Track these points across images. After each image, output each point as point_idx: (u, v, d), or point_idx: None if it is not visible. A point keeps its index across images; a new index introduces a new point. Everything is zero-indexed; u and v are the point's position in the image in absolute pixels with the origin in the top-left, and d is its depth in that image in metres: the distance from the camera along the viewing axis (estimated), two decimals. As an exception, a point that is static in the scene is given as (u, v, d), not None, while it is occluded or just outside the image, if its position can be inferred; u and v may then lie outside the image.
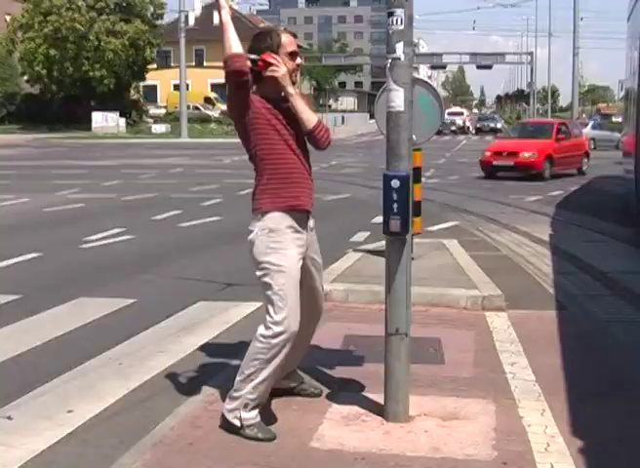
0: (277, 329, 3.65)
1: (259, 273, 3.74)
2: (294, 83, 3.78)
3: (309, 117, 3.79)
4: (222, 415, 3.80)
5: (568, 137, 21.14)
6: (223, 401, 3.90)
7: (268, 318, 3.69)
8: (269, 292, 3.69)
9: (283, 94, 3.76)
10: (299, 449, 3.55)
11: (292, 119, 3.77)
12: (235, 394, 3.75)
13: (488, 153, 20.29)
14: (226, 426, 3.76)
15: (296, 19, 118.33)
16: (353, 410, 3.99)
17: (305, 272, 3.84)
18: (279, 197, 3.73)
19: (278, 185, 3.74)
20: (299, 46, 4.00)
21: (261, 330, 3.71)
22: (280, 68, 3.71)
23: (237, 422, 3.72)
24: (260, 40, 3.81)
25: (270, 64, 3.73)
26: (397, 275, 3.77)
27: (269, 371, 3.71)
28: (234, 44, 3.62)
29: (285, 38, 3.82)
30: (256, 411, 3.75)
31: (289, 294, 3.68)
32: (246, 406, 3.71)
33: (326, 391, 4.28)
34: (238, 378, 3.76)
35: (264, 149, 3.75)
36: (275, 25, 4.30)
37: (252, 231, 3.76)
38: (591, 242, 9.90)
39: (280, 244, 3.70)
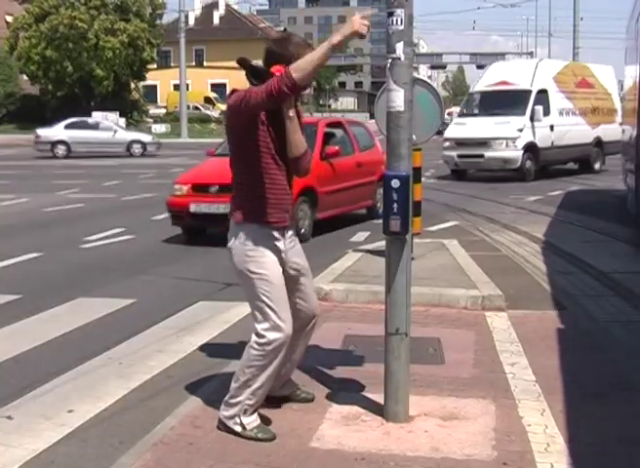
0: (270, 335, 3.62)
1: (241, 281, 3.70)
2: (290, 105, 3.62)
3: (299, 144, 3.68)
4: (220, 420, 3.78)
5: (347, 152, 11.31)
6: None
7: (259, 326, 3.65)
8: (257, 302, 3.65)
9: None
10: (299, 449, 3.55)
11: (282, 138, 3.67)
12: (232, 400, 3.72)
13: (182, 187, 10.21)
14: (225, 430, 3.75)
15: (296, 18, 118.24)
16: (353, 410, 3.99)
17: (289, 279, 3.77)
18: (264, 212, 3.65)
19: (267, 202, 3.65)
20: None
21: (255, 338, 3.67)
22: None
23: (238, 428, 3.71)
24: (284, 47, 3.62)
25: None
26: (397, 275, 3.77)
27: (266, 376, 3.69)
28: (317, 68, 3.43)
29: None
30: (255, 414, 3.75)
31: (276, 300, 3.64)
32: (245, 411, 3.71)
33: (326, 391, 4.28)
34: (234, 385, 3.73)
35: (261, 162, 3.62)
36: (272, 27, 4.07)
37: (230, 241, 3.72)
38: (591, 242, 9.89)
39: (257, 252, 3.64)
